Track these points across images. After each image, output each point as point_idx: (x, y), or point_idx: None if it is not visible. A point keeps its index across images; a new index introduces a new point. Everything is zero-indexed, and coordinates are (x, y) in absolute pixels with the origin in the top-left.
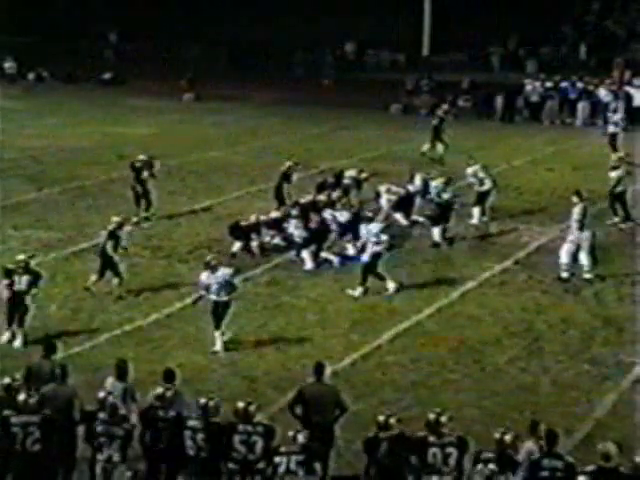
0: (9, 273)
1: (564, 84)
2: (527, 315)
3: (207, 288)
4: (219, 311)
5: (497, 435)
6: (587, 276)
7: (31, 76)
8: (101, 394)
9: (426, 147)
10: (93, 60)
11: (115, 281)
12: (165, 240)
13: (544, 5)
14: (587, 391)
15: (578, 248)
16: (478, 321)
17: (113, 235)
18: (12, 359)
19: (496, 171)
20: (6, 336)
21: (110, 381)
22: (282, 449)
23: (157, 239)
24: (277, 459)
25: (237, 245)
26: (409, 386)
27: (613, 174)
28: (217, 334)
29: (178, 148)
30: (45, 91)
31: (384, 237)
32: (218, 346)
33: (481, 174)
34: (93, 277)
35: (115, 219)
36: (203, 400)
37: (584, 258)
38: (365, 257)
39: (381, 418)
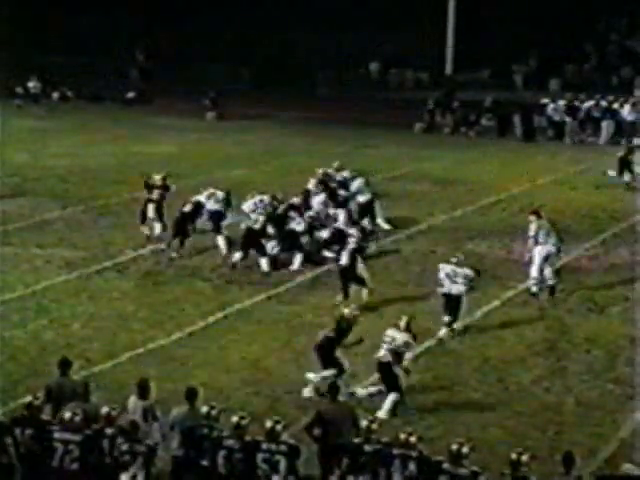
0: None
1: (588, 103)
2: (551, 334)
3: None
4: None
5: (513, 456)
6: (549, 283)
7: (55, 95)
8: (123, 412)
9: None
10: (118, 79)
11: None
12: (188, 259)
13: (567, 23)
14: (612, 411)
15: (546, 260)
16: (502, 340)
17: None
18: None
19: (519, 190)
20: None
21: (132, 400)
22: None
23: (180, 258)
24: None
25: (237, 256)
26: (432, 405)
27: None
28: None
29: (201, 167)
30: (69, 110)
31: None
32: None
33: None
34: None
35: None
36: (235, 419)
37: (548, 272)
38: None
39: (402, 436)
